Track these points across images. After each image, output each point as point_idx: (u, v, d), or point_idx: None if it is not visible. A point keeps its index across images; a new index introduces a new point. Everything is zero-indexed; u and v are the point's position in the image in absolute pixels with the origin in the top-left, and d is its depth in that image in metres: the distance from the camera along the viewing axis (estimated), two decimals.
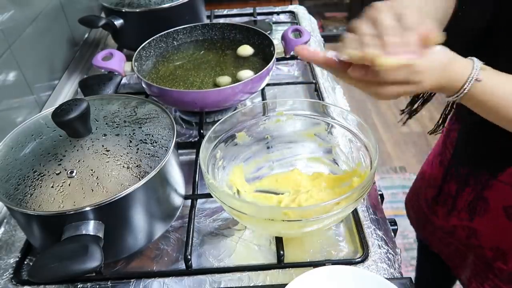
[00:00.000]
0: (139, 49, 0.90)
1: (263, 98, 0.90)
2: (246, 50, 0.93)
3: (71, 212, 0.50)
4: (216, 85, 0.85)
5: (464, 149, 0.73)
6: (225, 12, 1.31)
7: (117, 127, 0.60)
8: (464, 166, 0.75)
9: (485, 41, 0.59)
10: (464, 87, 0.48)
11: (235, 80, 0.86)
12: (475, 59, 0.49)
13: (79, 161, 0.54)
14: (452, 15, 0.62)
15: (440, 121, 0.80)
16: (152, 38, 0.94)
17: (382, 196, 0.72)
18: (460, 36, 0.59)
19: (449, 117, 0.79)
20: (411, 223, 0.99)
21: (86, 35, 1.21)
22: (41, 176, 0.53)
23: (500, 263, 0.74)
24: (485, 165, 0.69)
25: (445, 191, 0.81)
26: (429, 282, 1.14)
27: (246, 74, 0.86)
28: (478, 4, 0.61)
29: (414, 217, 0.97)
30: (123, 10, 1.01)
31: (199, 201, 0.70)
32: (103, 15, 1.14)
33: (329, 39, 2.96)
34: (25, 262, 0.62)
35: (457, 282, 1.03)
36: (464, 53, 0.51)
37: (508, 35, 0.59)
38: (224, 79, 0.86)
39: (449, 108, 0.78)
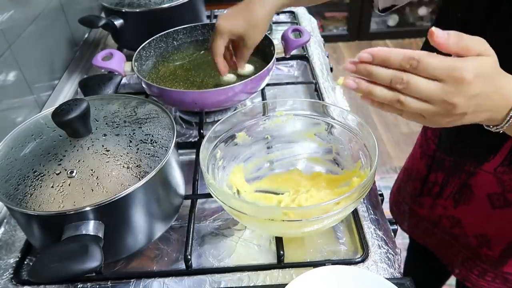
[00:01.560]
0: (139, 49, 0.90)
1: (263, 98, 0.90)
2: None
3: (71, 212, 0.50)
4: (217, 84, 0.85)
5: (448, 139, 0.74)
6: (225, 12, 1.31)
7: (117, 127, 0.60)
8: (450, 156, 0.75)
9: (497, 9, 0.57)
10: None
11: (238, 75, 0.87)
12: None
13: (79, 161, 0.54)
14: None
15: None
16: (152, 38, 0.94)
17: (382, 196, 0.72)
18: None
19: None
20: (393, 217, 1.01)
21: (86, 35, 1.21)
22: (41, 176, 0.53)
23: (485, 249, 0.76)
24: (471, 155, 0.69)
25: (431, 180, 0.82)
26: (425, 276, 1.15)
27: (246, 68, 0.86)
28: None
29: (397, 211, 0.99)
30: (123, 10, 1.01)
31: (199, 201, 0.70)
32: (103, 15, 1.14)
33: (329, 39, 2.98)
34: (25, 262, 0.62)
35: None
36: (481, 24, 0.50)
37: None
38: (228, 75, 0.86)
39: None
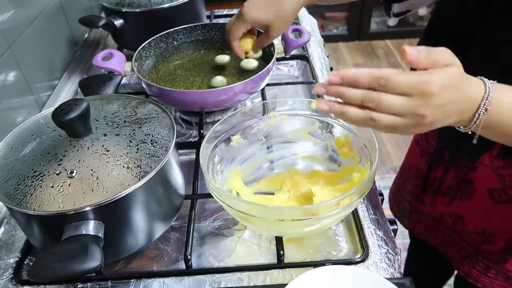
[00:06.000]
0: (139, 49, 0.90)
1: (263, 98, 0.90)
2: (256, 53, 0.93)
3: (71, 212, 0.50)
4: (217, 66, 0.89)
5: (447, 137, 0.76)
6: (225, 12, 1.31)
7: (117, 127, 0.60)
8: (448, 152, 0.77)
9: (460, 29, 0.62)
10: (482, 106, 0.46)
11: (233, 61, 0.90)
12: (481, 77, 0.48)
13: (79, 161, 0.54)
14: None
15: None
16: (152, 38, 0.94)
17: (382, 196, 0.72)
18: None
19: None
20: (395, 216, 1.01)
21: (86, 35, 1.21)
22: (41, 176, 0.53)
23: (487, 245, 0.77)
24: (465, 152, 0.71)
25: (431, 177, 0.83)
26: (426, 276, 1.15)
27: (252, 63, 0.87)
28: None
29: (397, 210, 1.00)
30: (123, 10, 1.01)
31: (199, 201, 0.70)
32: (103, 15, 1.14)
33: (329, 39, 2.98)
34: (25, 262, 0.63)
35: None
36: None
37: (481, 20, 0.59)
38: (224, 58, 0.89)
39: None
